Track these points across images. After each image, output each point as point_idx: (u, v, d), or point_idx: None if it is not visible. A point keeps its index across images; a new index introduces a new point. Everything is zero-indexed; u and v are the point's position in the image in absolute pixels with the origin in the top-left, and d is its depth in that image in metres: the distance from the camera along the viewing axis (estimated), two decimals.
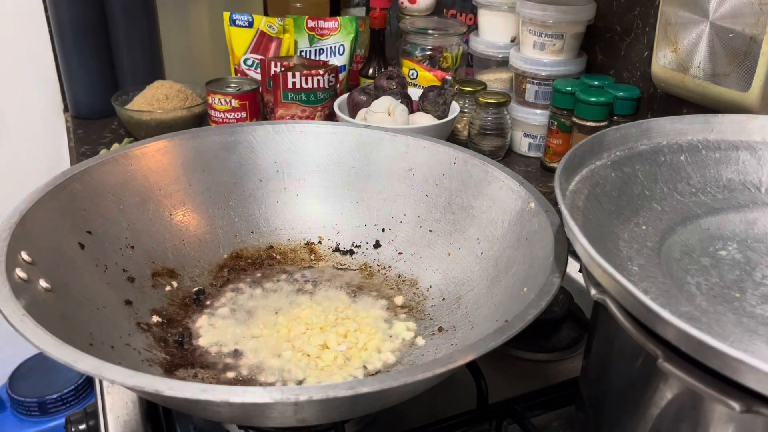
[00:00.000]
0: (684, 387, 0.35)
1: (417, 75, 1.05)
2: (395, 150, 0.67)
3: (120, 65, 1.10)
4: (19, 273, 0.44)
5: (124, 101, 1.02)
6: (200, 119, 1.02)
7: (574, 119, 0.89)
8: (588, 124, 0.87)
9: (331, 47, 1.06)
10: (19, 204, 0.50)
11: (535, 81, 0.96)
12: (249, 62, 1.05)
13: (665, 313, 0.31)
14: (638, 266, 0.42)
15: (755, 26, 0.65)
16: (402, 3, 1.18)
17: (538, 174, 0.96)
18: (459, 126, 1.01)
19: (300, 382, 0.51)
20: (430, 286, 0.61)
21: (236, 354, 0.54)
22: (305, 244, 0.68)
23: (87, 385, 1.36)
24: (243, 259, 0.65)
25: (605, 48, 0.98)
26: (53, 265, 0.49)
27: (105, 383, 0.57)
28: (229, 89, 0.95)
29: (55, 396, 1.32)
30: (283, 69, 0.93)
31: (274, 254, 0.67)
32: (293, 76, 0.92)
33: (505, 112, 0.95)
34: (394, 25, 1.21)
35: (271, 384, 0.51)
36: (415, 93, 0.96)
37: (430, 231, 0.64)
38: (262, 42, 1.05)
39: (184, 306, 0.59)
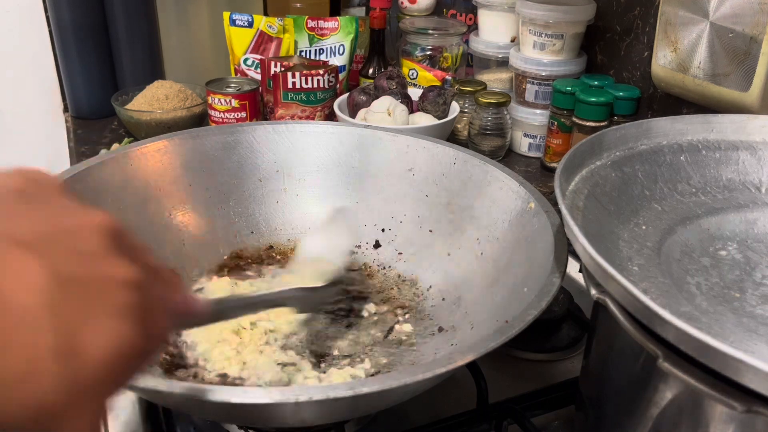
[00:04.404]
0: (684, 387, 0.35)
1: (417, 75, 1.05)
2: (395, 150, 0.67)
3: (120, 65, 1.10)
4: None
5: (124, 101, 1.02)
6: (200, 119, 1.02)
7: (574, 119, 0.89)
8: (588, 124, 0.87)
9: (331, 47, 1.06)
10: None
11: (535, 81, 0.96)
12: (249, 62, 1.05)
13: (665, 313, 0.31)
14: (638, 266, 0.42)
15: (755, 26, 0.65)
16: (402, 3, 1.18)
17: (538, 174, 0.96)
18: (459, 126, 1.01)
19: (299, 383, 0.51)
20: (430, 286, 0.61)
21: (236, 354, 0.54)
22: None
23: None
24: (243, 259, 0.65)
25: (605, 48, 0.98)
26: None
27: None
28: (229, 89, 0.95)
29: None
30: (283, 69, 0.93)
31: (274, 254, 0.67)
32: (293, 76, 0.92)
33: (505, 112, 0.95)
34: (394, 25, 1.21)
35: (271, 384, 0.51)
36: (415, 93, 0.96)
37: (430, 231, 0.64)
38: (262, 42, 1.05)
39: None
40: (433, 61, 1.07)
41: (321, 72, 0.93)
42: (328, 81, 0.94)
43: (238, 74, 1.06)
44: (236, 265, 0.64)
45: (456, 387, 0.54)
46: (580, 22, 0.92)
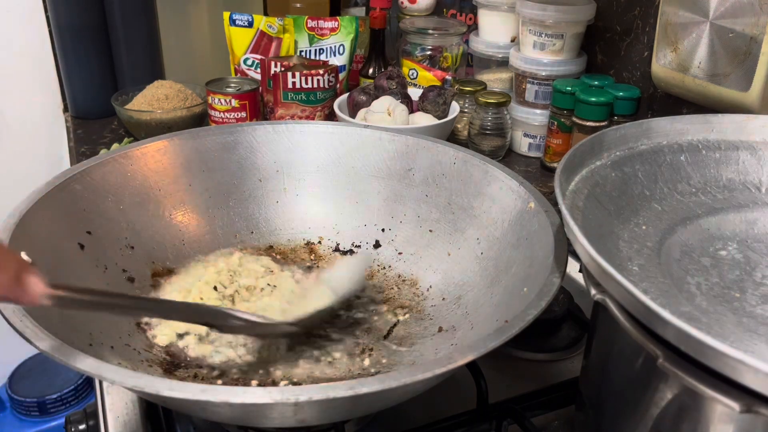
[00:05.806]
0: (684, 387, 0.35)
1: (417, 75, 1.05)
2: (395, 150, 0.67)
3: (120, 65, 1.10)
4: None
5: (124, 101, 1.02)
6: (200, 119, 1.02)
7: (574, 119, 0.89)
8: (588, 124, 0.87)
9: (331, 47, 1.06)
10: (19, 204, 0.50)
11: (535, 81, 0.96)
12: (249, 62, 1.05)
13: (665, 313, 0.31)
14: (638, 266, 0.42)
15: (755, 26, 0.65)
16: (402, 3, 1.18)
17: (538, 174, 0.96)
18: (459, 126, 1.01)
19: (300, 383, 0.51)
20: (430, 286, 0.61)
21: (236, 354, 0.54)
22: (305, 244, 0.68)
23: (87, 385, 1.36)
24: None
25: (605, 48, 0.98)
26: (53, 265, 0.49)
27: (105, 383, 0.57)
28: (229, 89, 0.95)
29: (54, 396, 1.32)
30: (283, 69, 0.93)
31: (274, 254, 0.67)
32: (293, 76, 0.92)
33: (505, 112, 0.95)
34: (394, 25, 1.21)
35: (271, 384, 0.51)
36: (415, 93, 0.96)
37: (430, 231, 0.64)
38: (262, 42, 1.05)
39: None
40: (433, 61, 1.07)
41: (321, 72, 0.93)
42: (328, 81, 0.94)
43: (238, 74, 1.06)
44: None
45: (456, 387, 0.54)
46: (580, 22, 0.92)
